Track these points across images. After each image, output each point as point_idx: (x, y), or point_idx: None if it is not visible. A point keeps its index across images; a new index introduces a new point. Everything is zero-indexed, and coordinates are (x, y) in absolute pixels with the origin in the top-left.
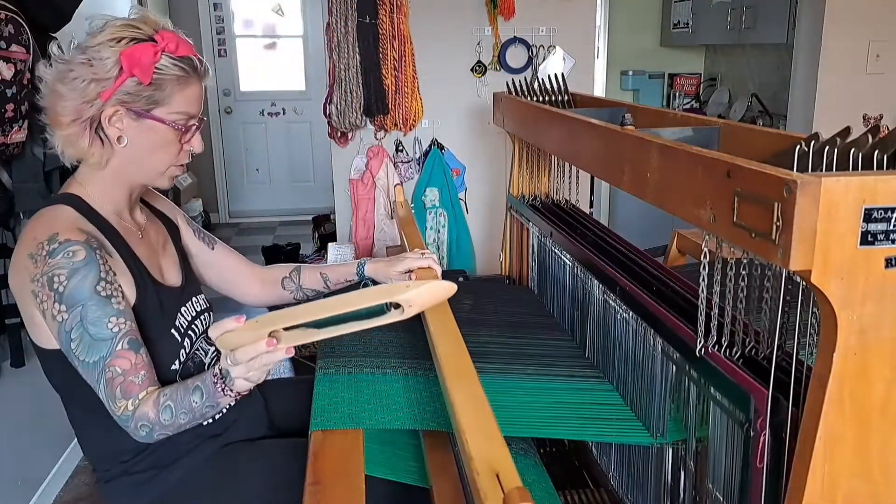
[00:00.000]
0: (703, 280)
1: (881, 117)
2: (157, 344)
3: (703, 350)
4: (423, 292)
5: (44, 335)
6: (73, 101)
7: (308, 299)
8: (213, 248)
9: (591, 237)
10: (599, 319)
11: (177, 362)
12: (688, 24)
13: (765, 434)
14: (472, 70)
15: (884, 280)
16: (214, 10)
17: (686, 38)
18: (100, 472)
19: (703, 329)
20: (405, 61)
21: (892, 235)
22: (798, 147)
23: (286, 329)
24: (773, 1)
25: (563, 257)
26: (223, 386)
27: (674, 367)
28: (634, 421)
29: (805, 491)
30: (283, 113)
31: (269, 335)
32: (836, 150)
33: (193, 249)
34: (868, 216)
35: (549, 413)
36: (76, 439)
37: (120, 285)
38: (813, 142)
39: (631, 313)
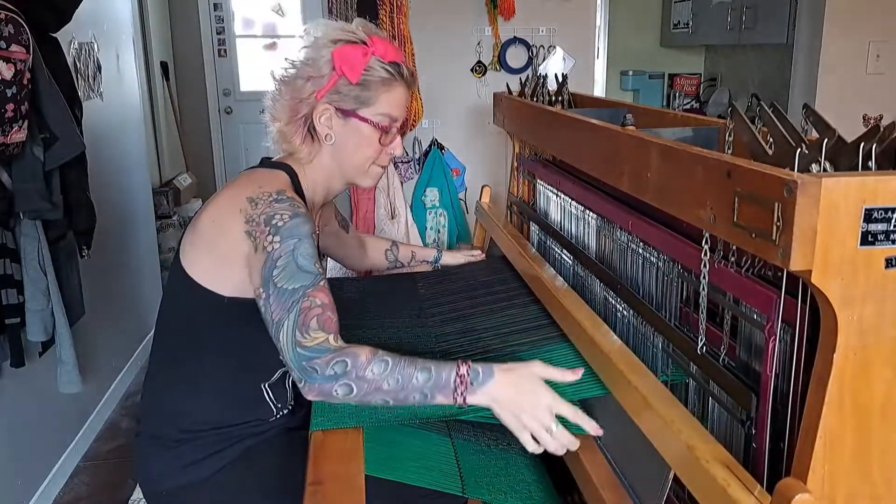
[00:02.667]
0: (704, 279)
1: (881, 117)
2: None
3: (703, 348)
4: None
5: (216, 276)
6: (292, 100)
7: (395, 269)
8: (347, 231)
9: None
10: (600, 316)
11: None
12: (688, 24)
13: (766, 433)
14: (472, 70)
15: (884, 280)
16: (214, 10)
17: (686, 38)
18: (149, 430)
19: (703, 329)
20: (405, 61)
21: (892, 235)
22: (798, 147)
23: None
24: (773, 1)
25: (563, 256)
26: (464, 388)
27: (674, 365)
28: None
29: None
30: None
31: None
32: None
33: (332, 230)
34: (868, 216)
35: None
36: (78, 438)
37: None
38: (812, 142)
39: (631, 313)
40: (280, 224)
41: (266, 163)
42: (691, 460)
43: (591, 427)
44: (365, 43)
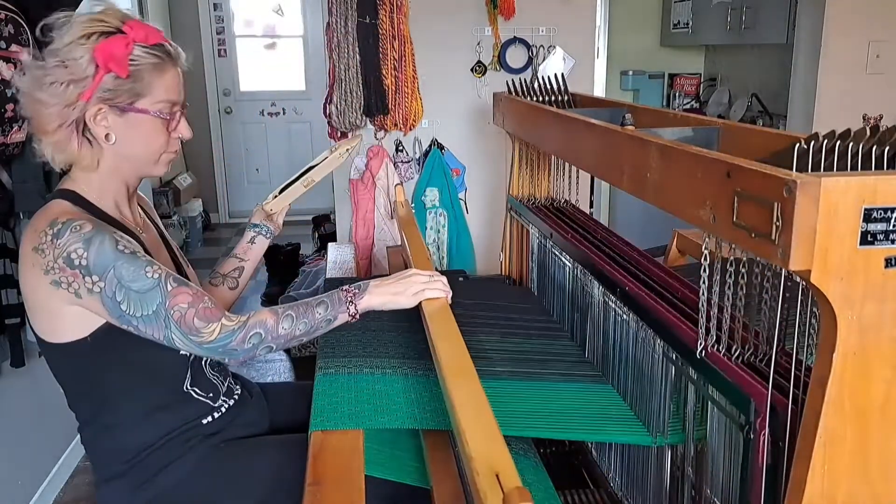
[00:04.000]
0: (704, 282)
1: (881, 117)
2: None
3: (703, 351)
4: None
5: (60, 328)
6: (55, 107)
7: (242, 284)
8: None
9: (592, 238)
10: (599, 321)
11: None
12: (688, 24)
13: (765, 434)
14: (472, 70)
15: (884, 280)
16: (214, 10)
17: (686, 38)
18: (100, 472)
19: (703, 329)
20: (405, 61)
21: (891, 235)
22: (798, 147)
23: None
24: (773, 1)
25: (562, 259)
26: (352, 297)
27: (674, 369)
28: (634, 421)
29: (805, 491)
30: (283, 113)
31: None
32: (836, 151)
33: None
34: (868, 216)
35: (549, 413)
36: (78, 438)
37: (135, 244)
38: (813, 142)
39: (631, 314)
40: (84, 262)
41: (48, 196)
42: (469, 467)
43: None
44: (121, 30)
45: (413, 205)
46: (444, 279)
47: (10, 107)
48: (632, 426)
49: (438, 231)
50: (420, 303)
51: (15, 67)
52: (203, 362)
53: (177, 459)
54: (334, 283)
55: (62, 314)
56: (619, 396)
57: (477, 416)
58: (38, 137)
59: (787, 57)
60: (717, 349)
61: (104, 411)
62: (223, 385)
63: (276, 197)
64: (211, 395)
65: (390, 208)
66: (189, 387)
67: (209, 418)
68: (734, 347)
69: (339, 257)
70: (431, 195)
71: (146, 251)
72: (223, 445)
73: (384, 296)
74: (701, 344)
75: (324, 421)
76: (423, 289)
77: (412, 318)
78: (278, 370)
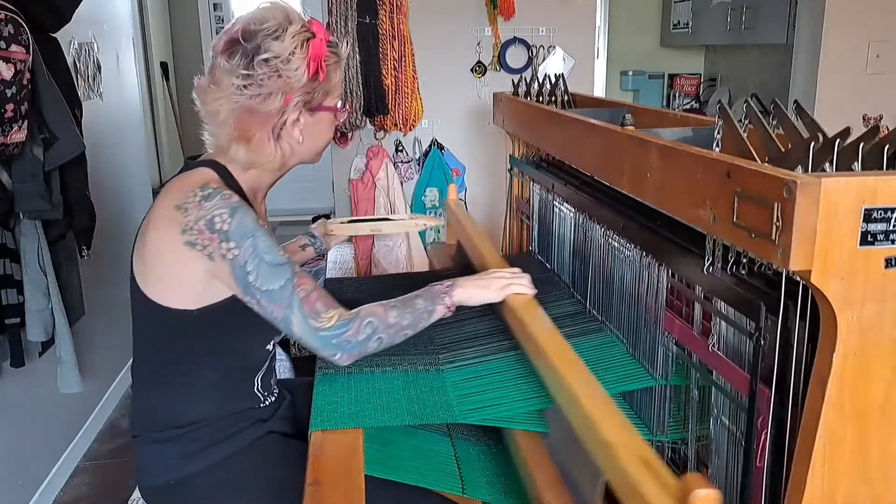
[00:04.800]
0: (706, 271)
1: (881, 117)
2: (259, 325)
3: (710, 268)
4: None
5: (170, 292)
6: (264, 114)
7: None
8: None
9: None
10: (600, 266)
11: (271, 343)
12: (688, 24)
13: (765, 434)
14: (472, 70)
15: (884, 280)
16: (214, 10)
17: (686, 38)
18: (145, 433)
19: (701, 328)
20: (405, 61)
21: (891, 235)
22: (812, 143)
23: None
24: (773, 1)
25: (563, 209)
26: (446, 291)
27: (675, 365)
28: (634, 418)
29: (805, 491)
30: None
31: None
32: (836, 151)
33: None
34: (868, 216)
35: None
36: (78, 438)
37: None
38: (813, 142)
39: (635, 248)
40: (225, 227)
41: (188, 165)
42: (611, 458)
43: (529, 287)
44: (312, 32)
45: (413, 205)
46: (528, 277)
47: (9, 107)
48: (635, 370)
49: (438, 231)
50: (505, 299)
51: (15, 68)
52: (271, 365)
53: (229, 438)
54: (334, 283)
55: (181, 278)
56: (620, 344)
57: (604, 404)
58: (237, 144)
59: (787, 57)
60: (718, 347)
61: (177, 377)
62: (274, 386)
63: (342, 223)
64: (265, 392)
65: (390, 208)
66: (257, 378)
67: (265, 403)
68: (736, 345)
69: (339, 257)
70: (431, 195)
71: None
72: (268, 437)
73: (473, 289)
74: (708, 260)
75: (324, 421)
76: (509, 283)
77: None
78: (278, 370)
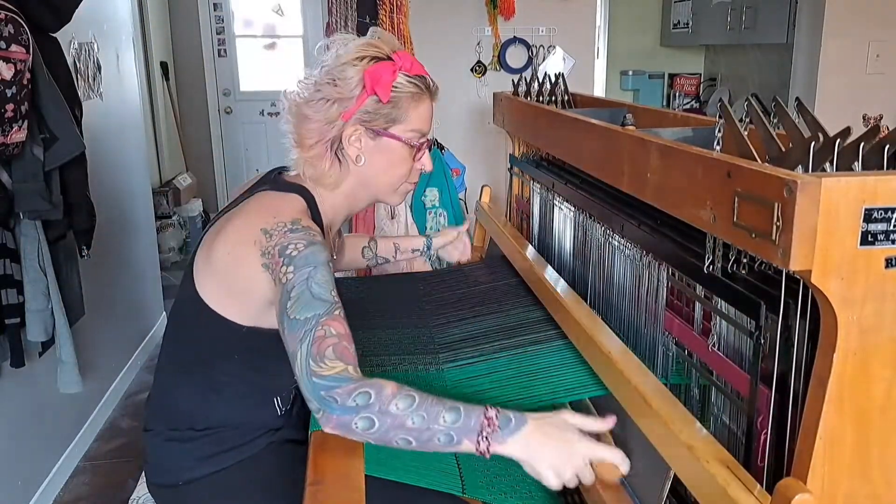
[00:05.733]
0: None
1: (881, 117)
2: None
3: (710, 267)
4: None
5: (231, 306)
6: (317, 123)
7: (379, 265)
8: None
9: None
10: (600, 265)
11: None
12: (688, 24)
13: (765, 434)
14: (472, 70)
15: (884, 280)
16: (214, 10)
17: (686, 38)
18: (161, 429)
19: (701, 328)
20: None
21: (892, 235)
22: (812, 143)
23: None
24: (773, 1)
25: (564, 207)
26: (488, 434)
27: (676, 364)
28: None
29: None
30: None
31: None
32: (836, 150)
33: None
34: (868, 216)
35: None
36: (78, 437)
37: None
38: (813, 142)
39: (635, 248)
40: (294, 254)
41: (281, 183)
42: (691, 460)
43: (620, 459)
44: (391, 58)
45: (413, 205)
46: (620, 452)
47: (9, 107)
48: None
49: (438, 231)
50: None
51: (15, 68)
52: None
53: (245, 445)
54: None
55: (248, 295)
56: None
57: (673, 406)
58: (295, 151)
59: (787, 57)
60: (718, 347)
61: (206, 380)
62: (290, 397)
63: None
64: (284, 406)
65: (390, 208)
66: (277, 399)
67: (282, 410)
68: (736, 345)
69: None
70: (431, 195)
71: None
72: (281, 445)
73: (542, 449)
74: (708, 259)
75: None
76: (590, 455)
77: (411, 315)
78: None
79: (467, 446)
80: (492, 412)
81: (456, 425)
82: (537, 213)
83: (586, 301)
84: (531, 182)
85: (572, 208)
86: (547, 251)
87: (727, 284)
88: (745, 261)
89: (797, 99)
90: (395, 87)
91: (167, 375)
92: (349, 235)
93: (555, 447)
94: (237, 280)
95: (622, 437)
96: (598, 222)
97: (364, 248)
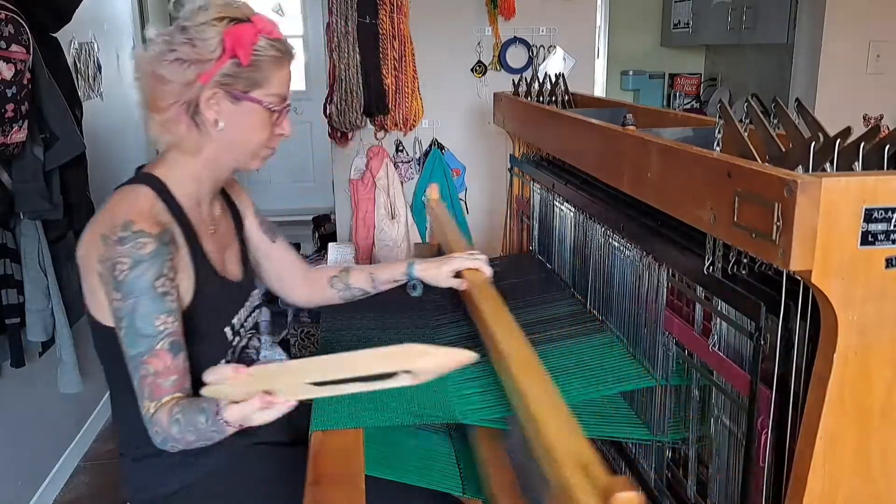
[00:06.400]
0: (707, 271)
1: (881, 117)
2: (208, 341)
3: (710, 267)
4: (437, 364)
5: (102, 311)
6: (173, 84)
7: (355, 298)
8: (273, 241)
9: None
10: (601, 266)
11: (223, 361)
12: (688, 24)
13: (766, 434)
14: (472, 70)
15: (884, 280)
16: None
17: (686, 38)
18: (130, 450)
19: (702, 328)
20: (405, 61)
21: (892, 235)
22: (812, 143)
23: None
24: (773, 1)
25: (564, 208)
26: (224, 419)
27: (676, 365)
28: (635, 418)
29: (805, 491)
30: None
31: (265, 392)
32: (836, 151)
33: (255, 240)
34: (868, 216)
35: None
36: (78, 438)
37: (178, 284)
38: (813, 142)
39: (635, 249)
40: (121, 278)
41: (135, 176)
42: (550, 462)
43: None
44: (251, 20)
45: (413, 205)
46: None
47: (10, 107)
48: (633, 423)
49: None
50: (462, 294)
51: (15, 68)
52: (246, 362)
53: (208, 452)
54: None
55: (105, 300)
56: (622, 345)
57: (552, 408)
58: (149, 115)
59: (787, 57)
60: (719, 348)
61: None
62: None
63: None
64: None
65: (390, 208)
66: None
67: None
68: (736, 346)
69: (339, 257)
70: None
71: (203, 256)
72: (254, 448)
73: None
74: (709, 260)
75: (324, 421)
76: (261, 420)
77: (412, 316)
78: None
79: (229, 431)
80: (215, 405)
81: (210, 425)
82: (537, 213)
83: (586, 302)
84: (531, 182)
85: (572, 209)
86: (547, 251)
87: (727, 286)
88: (745, 261)
89: (797, 99)
90: (257, 51)
91: (115, 397)
92: (316, 268)
93: (243, 421)
94: (91, 284)
95: (522, 444)
96: (599, 223)
97: (333, 278)
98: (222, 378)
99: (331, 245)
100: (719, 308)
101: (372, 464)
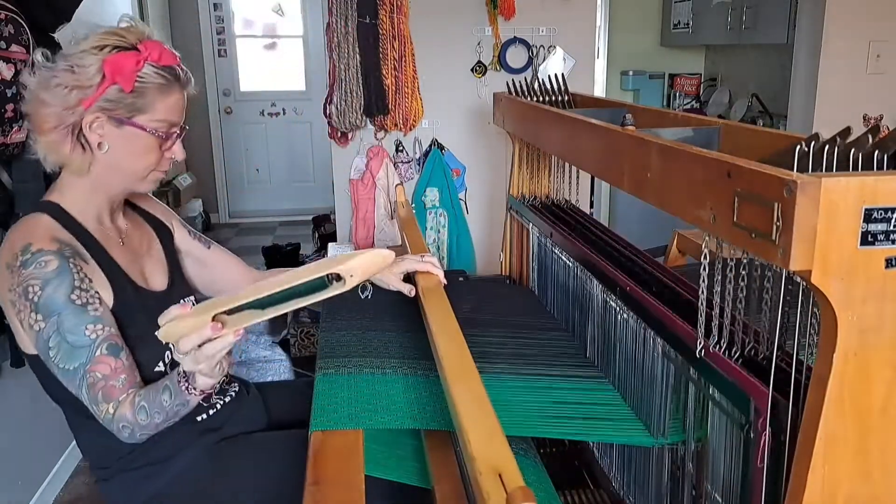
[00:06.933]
0: (704, 280)
1: (881, 117)
2: (141, 346)
3: (703, 351)
4: (362, 261)
5: (26, 342)
6: (55, 108)
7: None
8: (209, 248)
9: (592, 237)
10: (600, 319)
11: (161, 363)
12: (688, 24)
13: (765, 435)
14: (472, 70)
15: (884, 280)
16: (214, 10)
17: (686, 38)
18: (98, 472)
19: (703, 329)
20: (405, 61)
21: (892, 236)
22: (798, 147)
23: (230, 313)
24: (773, 1)
25: (563, 258)
26: (186, 385)
27: (674, 368)
28: (635, 421)
29: (805, 492)
30: (284, 113)
31: (213, 319)
32: (836, 151)
33: (186, 248)
34: (868, 216)
35: (549, 413)
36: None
37: (97, 291)
38: (813, 142)
39: (631, 314)
40: (36, 299)
41: (33, 206)
42: (472, 471)
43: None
44: (136, 48)
45: (413, 205)
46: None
47: (10, 107)
48: (632, 426)
49: (438, 231)
50: (420, 301)
51: (15, 68)
52: None
53: (175, 455)
54: None
55: (19, 329)
56: (620, 396)
57: (479, 415)
58: (33, 135)
59: (787, 57)
60: (718, 348)
61: (90, 415)
62: (218, 391)
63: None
64: (206, 402)
65: (390, 208)
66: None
67: (203, 416)
68: (734, 348)
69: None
70: (431, 195)
71: (115, 266)
72: (223, 443)
73: (204, 379)
74: (700, 343)
75: (324, 421)
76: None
77: (411, 318)
78: (278, 370)
79: (194, 400)
80: (179, 369)
81: (175, 398)
82: (536, 258)
83: (585, 353)
84: (529, 225)
85: (570, 261)
86: (545, 296)
87: (718, 373)
88: (737, 346)
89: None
90: (141, 78)
91: (74, 429)
92: (265, 272)
93: (196, 359)
94: (13, 322)
95: None
96: (598, 282)
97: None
98: (171, 317)
99: (331, 245)
100: (712, 394)
101: (372, 464)
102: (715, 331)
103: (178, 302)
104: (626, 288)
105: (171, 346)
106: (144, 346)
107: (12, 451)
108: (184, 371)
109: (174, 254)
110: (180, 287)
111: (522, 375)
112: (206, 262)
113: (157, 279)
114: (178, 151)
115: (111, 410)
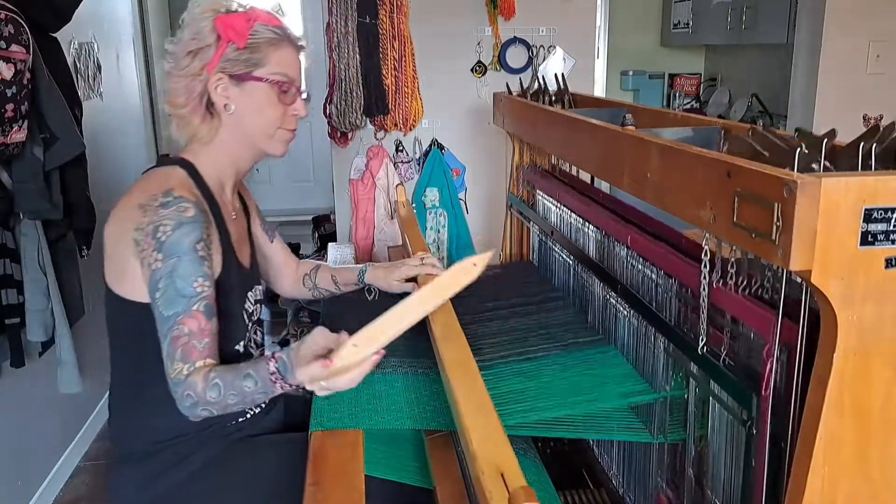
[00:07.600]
0: (705, 277)
1: (881, 117)
2: (230, 321)
3: (703, 348)
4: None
5: (128, 286)
6: (183, 78)
7: (324, 297)
8: (272, 241)
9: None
10: (600, 317)
11: (241, 344)
12: (688, 24)
13: (771, 361)
14: (472, 70)
15: (884, 280)
16: None
17: (686, 38)
18: (122, 452)
19: (704, 329)
20: (405, 61)
21: (892, 236)
22: (798, 148)
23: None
24: (773, 1)
25: (563, 256)
26: (282, 381)
27: (672, 361)
28: (635, 419)
29: (805, 491)
30: None
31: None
32: (835, 151)
33: (259, 239)
34: (868, 216)
35: (551, 413)
36: (77, 438)
37: (213, 255)
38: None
39: (632, 311)
40: (163, 238)
41: (163, 160)
42: (474, 468)
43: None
44: (245, 12)
45: (413, 205)
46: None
47: (9, 107)
48: (633, 424)
49: (438, 231)
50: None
51: (15, 68)
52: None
53: (196, 452)
54: None
55: (134, 271)
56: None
57: (481, 414)
58: (169, 112)
59: (787, 57)
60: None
61: (141, 380)
62: None
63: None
64: None
65: (390, 208)
66: None
67: (240, 419)
68: (736, 346)
69: (339, 257)
70: (431, 195)
71: (227, 237)
72: (232, 443)
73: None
74: (703, 340)
75: (324, 421)
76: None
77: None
78: None
79: (278, 391)
80: (272, 365)
81: (258, 386)
82: (536, 256)
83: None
84: (530, 224)
85: (570, 259)
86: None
87: (719, 369)
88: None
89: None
90: (253, 34)
91: (117, 394)
92: (301, 262)
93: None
94: (121, 257)
95: None
96: (598, 279)
97: (305, 276)
98: (346, 353)
99: (330, 245)
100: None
101: (372, 464)
102: (718, 265)
103: (255, 286)
104: (628, 238)
105: (254, 331)
106: (234, 320)
107: (12, 451)
108: (279, 371)
109: (252, 237)
110: (255, 270)
111: (520, 360)
112: (266, 254)
113: (246, 259)
114: (300, 108)
115: (185, 372)
